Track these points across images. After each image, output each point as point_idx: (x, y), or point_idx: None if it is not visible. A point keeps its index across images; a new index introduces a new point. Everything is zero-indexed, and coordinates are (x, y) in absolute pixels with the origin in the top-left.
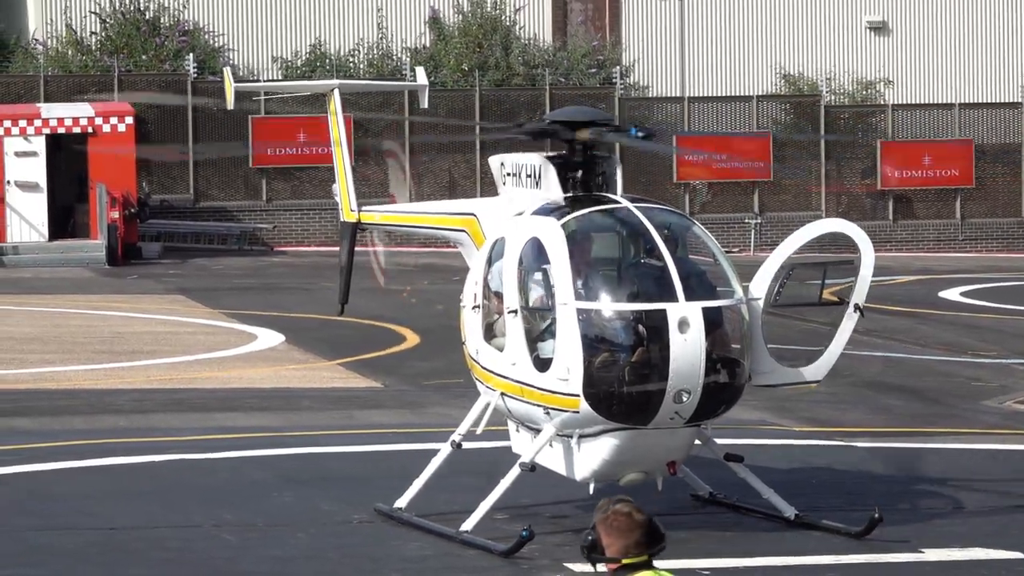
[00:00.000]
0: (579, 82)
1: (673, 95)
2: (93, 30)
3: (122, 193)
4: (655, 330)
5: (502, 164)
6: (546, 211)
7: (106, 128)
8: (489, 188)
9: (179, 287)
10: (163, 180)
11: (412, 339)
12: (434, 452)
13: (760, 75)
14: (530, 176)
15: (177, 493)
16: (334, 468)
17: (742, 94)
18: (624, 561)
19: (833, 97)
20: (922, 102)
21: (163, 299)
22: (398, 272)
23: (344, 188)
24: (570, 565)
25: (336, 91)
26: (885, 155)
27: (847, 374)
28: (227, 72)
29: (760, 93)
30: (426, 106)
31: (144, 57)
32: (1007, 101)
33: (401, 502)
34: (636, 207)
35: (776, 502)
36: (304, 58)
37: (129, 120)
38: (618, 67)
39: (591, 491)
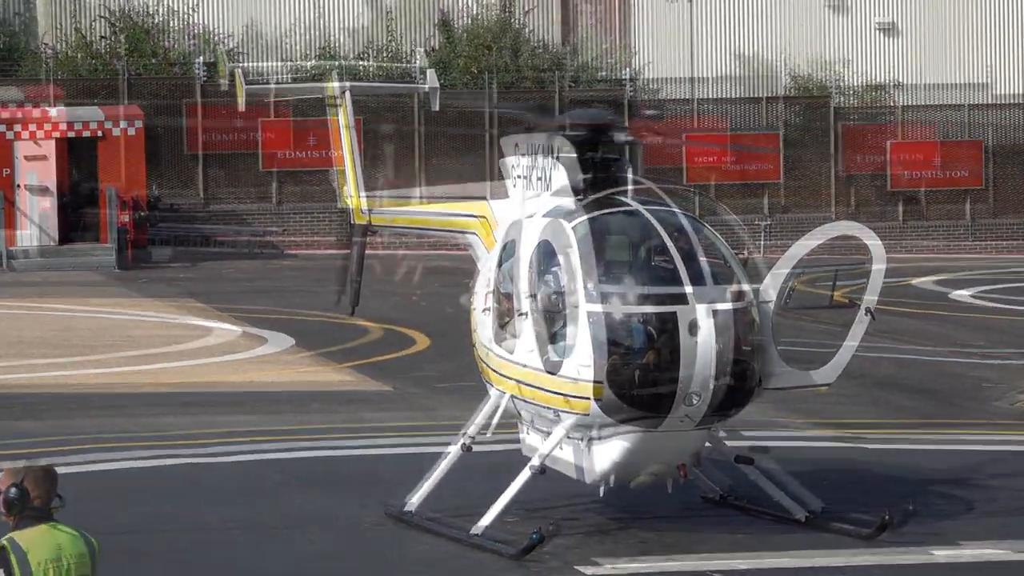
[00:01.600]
0: (589, 84)
1: (682, 97)
2: (102, 34)
3: (132, 196)
4: (666, 332)
5: (512, 166)
6: (557, 213)
7: (116, 131)
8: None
9: (189, 290)
10: (173, 183)
11: (423, 342)
12: (444, 454)
13: (769, 77)
14: (540, 178)
15: (188, 495)
16: (345, 470)
17: (751, 96)
18: (36, 511)
19: (842, 98)
20: (931, 103)
21: (173, 302)
22: (403, 272)
23: (354, 189)
24: (580, 567)
25: (347, 93)
26: (895, 156)
27: (858, 374)
28: (238, 73)
29: (769, 95)
30: (437, 108)
31: (153, 60)
32: (1016, 102)
33: (411, 504)
34: (647, 208)
35: (787, 503)
36: (314, 61)
37: (139, 123)
38: (627, 69)
39: (601, 493)
